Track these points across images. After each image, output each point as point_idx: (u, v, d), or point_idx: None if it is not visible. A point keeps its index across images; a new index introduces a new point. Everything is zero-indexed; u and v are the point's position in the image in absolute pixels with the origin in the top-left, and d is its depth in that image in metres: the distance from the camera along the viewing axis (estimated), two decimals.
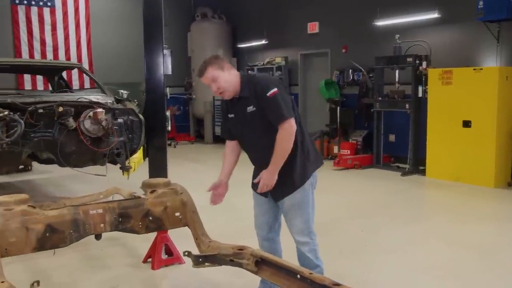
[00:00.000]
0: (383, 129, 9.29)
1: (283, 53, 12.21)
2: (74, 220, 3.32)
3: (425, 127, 8.29)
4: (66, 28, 12.48)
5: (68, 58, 12.44)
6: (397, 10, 9.16)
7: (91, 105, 5.61)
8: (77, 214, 3.36)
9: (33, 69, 8.84)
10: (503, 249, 4.79)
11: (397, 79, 8.89)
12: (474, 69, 7.56)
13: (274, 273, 2.87)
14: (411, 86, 8.49)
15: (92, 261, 4.51)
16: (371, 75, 9.64)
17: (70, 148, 5.55)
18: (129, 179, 6.09)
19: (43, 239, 3.18)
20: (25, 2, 11.97)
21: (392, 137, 9.60)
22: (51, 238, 3.22)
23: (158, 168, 6.17)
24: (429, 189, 7.87)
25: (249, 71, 12.29)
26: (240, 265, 3.09)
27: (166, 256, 4.35)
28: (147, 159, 6.42)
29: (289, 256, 3.22)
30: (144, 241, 4.41)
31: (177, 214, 3.72)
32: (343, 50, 10.59)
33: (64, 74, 8.53)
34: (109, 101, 6.17)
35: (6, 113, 4.97)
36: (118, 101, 6.33)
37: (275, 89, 2.88)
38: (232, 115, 3.11)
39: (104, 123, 5.47)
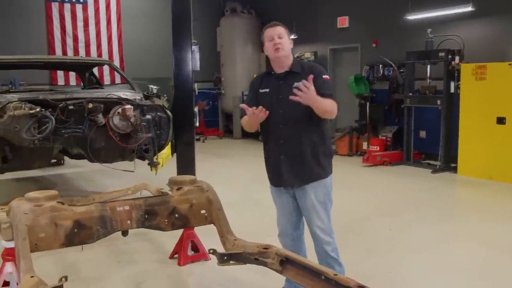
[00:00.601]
0: (413, 125, 9.12)
1: (312, 48, 12.08)
2: (101, 217, 3.37)
3: (457, 124, 8.11)
4: (97, 24, 12.67)
5: (99, 54, 12.63)
6: (429, 4, 8.96)
7: (120, 101, 5.68)
8: (104, 210, 3.41)
9: (65, 66, 9.04)
10: None
11: (428, 74, 8.74)
12: (510, 64, 7.35)
13: (299, 273, 2.85)
14: (442, 82, 8.32)
15: (119, 256, 4.57)
16: (401, 70, 9.49)
17: (99, 144, 5.64)
18: (157, 174, 6.16)
19: (71, 235, 3.24)
20: None
21: (422, 134, 9.43)
22: (79, 234, 3.27)
23: (186, 163, 6.24)
24: (460, 187, 7.69)
25: None
26: (264, 264, 3.09)
27: (192, 252, 4.40)
28: (175, 154, 6.50)
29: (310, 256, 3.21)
30: (171, 237, 4.45)
31: (203, 211, 3.73)
32: (373, 45, 10.45)
33: (96, 70, 8.67)
34: (138, 97, 6.24)
35: (38, 109, 5.10)
36: (146, 97, 6.40)
37: (328, 77, 3.17)
38: (266, 90, 3.20)
39: (132, 120, 5.54)
